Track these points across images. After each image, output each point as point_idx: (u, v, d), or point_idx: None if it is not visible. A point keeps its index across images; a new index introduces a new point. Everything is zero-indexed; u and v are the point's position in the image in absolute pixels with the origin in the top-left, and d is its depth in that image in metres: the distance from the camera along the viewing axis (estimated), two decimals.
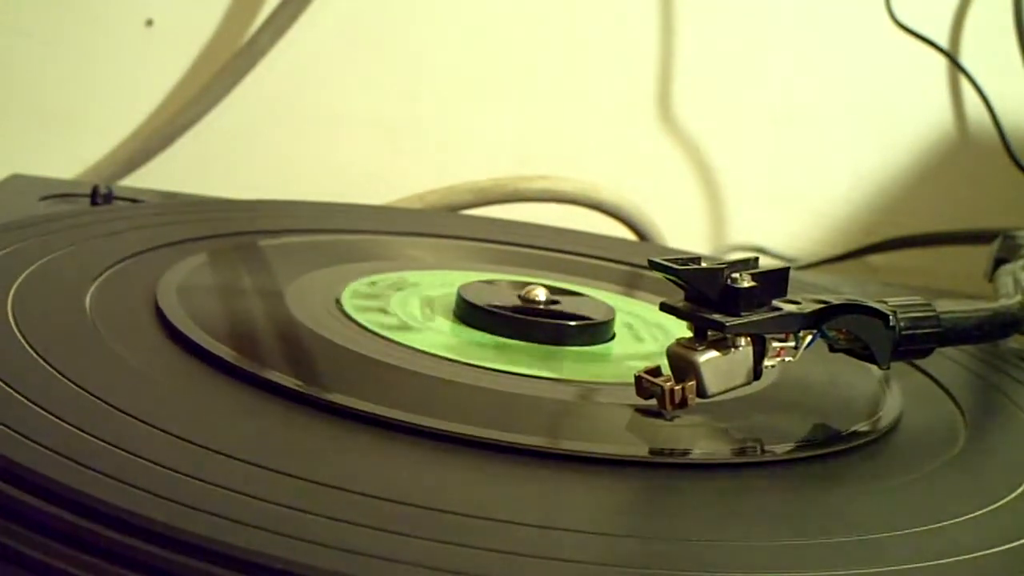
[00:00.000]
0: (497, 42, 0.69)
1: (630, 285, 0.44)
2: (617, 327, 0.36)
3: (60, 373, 0.26)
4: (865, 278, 0.65)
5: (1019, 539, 0.24)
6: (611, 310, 0.36)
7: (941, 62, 0.70)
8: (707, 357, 0.28)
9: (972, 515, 0.26)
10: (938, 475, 0.29)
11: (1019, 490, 0.28)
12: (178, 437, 0.23)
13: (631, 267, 0.47)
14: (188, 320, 0.31)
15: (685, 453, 0.28)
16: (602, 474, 0.26)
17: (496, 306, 0.35)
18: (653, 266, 0.29)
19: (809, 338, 0.30)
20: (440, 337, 0.33)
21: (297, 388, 0.27)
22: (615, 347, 0.35)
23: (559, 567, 0.21)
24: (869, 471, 0.29)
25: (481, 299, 0.35)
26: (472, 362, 0.31)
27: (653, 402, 0.29)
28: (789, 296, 0.30)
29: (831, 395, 0.34)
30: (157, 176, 0.64)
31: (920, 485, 0.28)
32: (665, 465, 0.27)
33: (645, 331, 0.37)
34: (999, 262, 0.42)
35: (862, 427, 0.31)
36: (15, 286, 0.31)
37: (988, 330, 0.34)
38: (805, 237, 0.72)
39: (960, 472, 0.29)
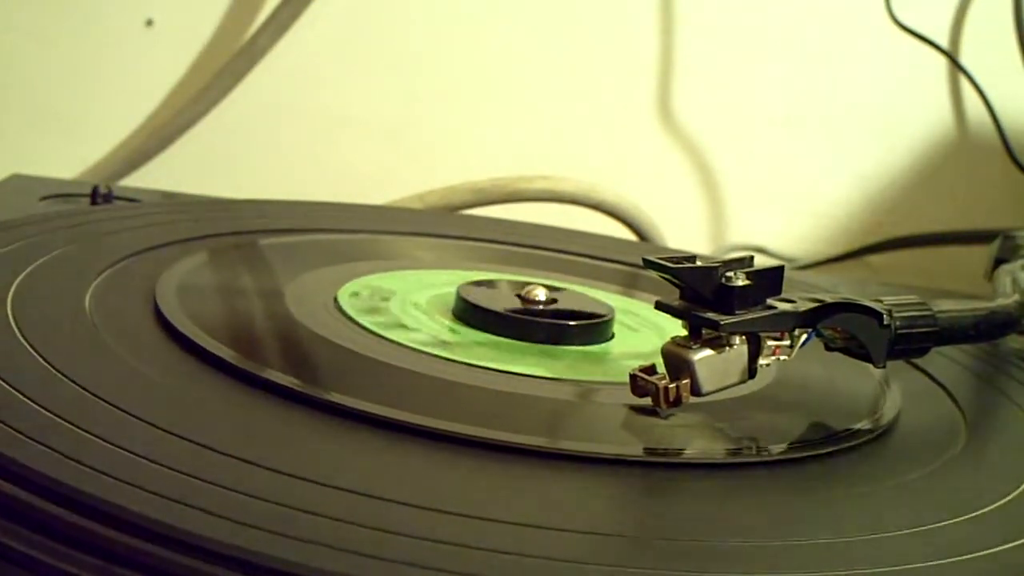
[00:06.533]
0: (497, 42, 0.70)
1: (629, 285, 0.44)
2: (616, 327, 0.36)
3: (59, 371, 0.26)
4: (865, 278, 0.65)
5: (1019, 539, 0.24)
6: (610, 310, 0.36)
7: (941, 62, 0.70)
8: (701, 355, 0.28)
9: (972, 514, 0.26)
10: (938, 474, 0.29)
11: (1020, 489, 0.28)
12: (177, 435, 0.23)
13: (630, 267, 0.47)
14: (187, 319, 0.31)
15: (681, 452, 0.28)
16: (599, 473, 0.26)
17: (495, 306, 0.35)
18: (648, 265, 0.29)
19: (804, 337, 0.30)
20: (440, 337, 0.34)
21: (296, 387, 0.27)
22: (614, 347, 0.35)
23: (555, 566, 0.21)
24: (868, 470, 0.29)
25: (480, 299, 0.35)
26: (471, 362, 0.31)
27: (648, 400, 0.29)
28: (784, 295, 0.30)
29: (829, 394, 0.34)
30: (157, 176, 0.64)
31: (920, 484, 0.28)
32: (662, 465, 0.27)
33: (644, 331, 0.37)
34: (999, 262, 0.42)
35: (861, 426, 0.31)
36: (15, 285, 0.31)
37: (985, 329, 0.34)
38: (805, 237, 0.72)
39: (960, 471, 0.29)
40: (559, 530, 0.22)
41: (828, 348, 0.31)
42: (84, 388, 0.25)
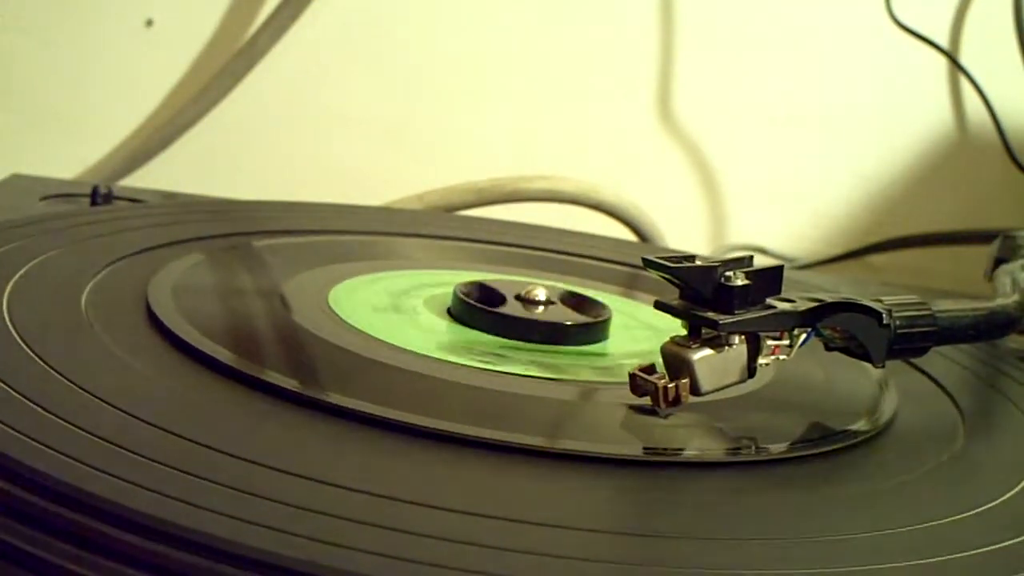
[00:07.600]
0: (497, 42, 0.70)
1: (628, 285, 0.44)
2: (614, 327, 0.36)
3: (55, 370, 0.26)
4: (865, 278, 0.65)
5: (1017, 538, 0.24)
6: (608, 310, 0.36)
7: (941, 62, 0.70)
8: (701, 355, 0.28)
9: (970, 514, 0.26)
10: (936, 474, 0.29)
11: (1017, 489, 0.28)
12: (173, 434, 0.23)
13: (629, 268, 0.47)
14: (180, 319, 0.31)
15: (680, 452, 0.28)
16: (598, 472, 0.26)
17: (494, 306, 0.35)
18: (647, 264, 0.29)
19: (803, 336, 0.30)
20: (437, 337, 0.33)
21: (292, 388, 0.27)
22: (612, 347, 0.35)
23: (554, 564, 0.21)
24: (866, 470, 0.29)
25: (479, 299, 0.35)
26: (469, 362, 0.31)
27: (647, 399, 0.29)
28: (784, 294, 0.30)
29: (828, 394, 0.34)
30: (157, 176, 0.64)
31: (918, 484, 0.28)
32: (661, 464, 0.27)
33: (642, 331, 0.37)
34: (999, 262, 0.42)
35: (859, 426, 0.31)
36: (11, 283, 0.31)
37: (984, 329, 0.33)
38: (805, 237, 0.72)
39: (958, 471, 0.29)
40: (560, 527, 0.22)
41: (827, 348, 0.31)
42: (80, 387, 0.25)
